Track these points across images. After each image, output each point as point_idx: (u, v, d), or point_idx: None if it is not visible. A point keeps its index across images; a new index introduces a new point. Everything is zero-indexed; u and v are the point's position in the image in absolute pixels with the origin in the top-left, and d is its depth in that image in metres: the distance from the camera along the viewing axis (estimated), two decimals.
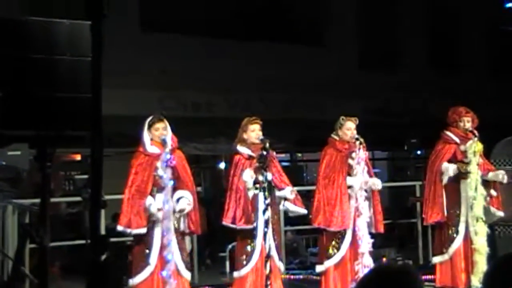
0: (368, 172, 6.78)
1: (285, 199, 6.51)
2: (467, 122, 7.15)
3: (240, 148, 6.44)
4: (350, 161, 6.71)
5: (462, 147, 7.11)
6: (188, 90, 13.16)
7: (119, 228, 5.95)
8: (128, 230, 5.91)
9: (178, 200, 6.04)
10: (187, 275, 6.15)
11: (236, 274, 6.44)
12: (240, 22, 14.06)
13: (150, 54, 12.40)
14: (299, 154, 16.75)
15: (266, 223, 6.06)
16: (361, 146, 6.66)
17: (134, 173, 5.99)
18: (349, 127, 6.78)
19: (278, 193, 6.48)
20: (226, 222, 6.33)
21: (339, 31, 15.20)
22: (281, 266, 6.53)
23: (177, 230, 6.06)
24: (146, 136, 6.10)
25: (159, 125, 6.10)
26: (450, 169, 7.06)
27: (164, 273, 5.88)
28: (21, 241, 4.93)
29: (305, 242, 10.93)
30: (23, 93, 3.32)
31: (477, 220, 7.02)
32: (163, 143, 5.98)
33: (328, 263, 6.67)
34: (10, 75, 3.32)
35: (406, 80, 15.36)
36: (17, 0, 10.69)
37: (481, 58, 16.97)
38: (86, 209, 5.46)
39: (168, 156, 5.94)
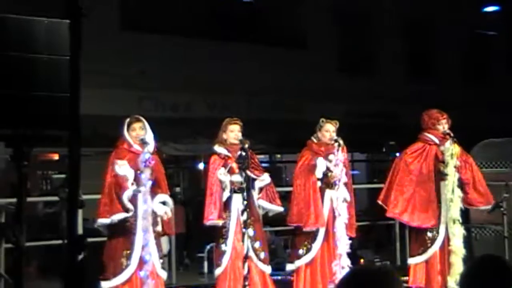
0: (346, 174, 6.81)
1: (261, 189, 6.50)
2: (445, 124, 7.20)
3: (217, 148, 6.43)
4: (327, 163, 6.72)
5: (442, 148, 7.15)
6: (167, 90, 13.13)
7: (100, 221, 5.88)
8: (109, 220, 5.84)
9: (162, 203, 6.03)
10: (163, 274, 6.13)
11: (215, 272, 6.45)
12: (221, 24, 14.06)
13: (129, 54, 12.36)
14: (279, 156, 16.78)
15: (245, 223, 6.07)
16: (340, 148, 6.68)
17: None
18: (327, 129, 6.79)
19: (257, 183, 6.46)
20: (205, 221, 6.32)
21: (319, 34, 15.26)
22: (264, 268, 6.46)
23: (154, 231, 6.03)
24: (127, 135, 6.07)
25: (136, 125, 6.06)
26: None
27: (142, 273, 5.85)
28: None
29: (283, 243, 10.95)
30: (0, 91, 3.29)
31: (454, 222, 7.07)
32: (142, 142, 5.95)
33: (299, 263, 6.69)
34: None
35: (384, 84, 15.48)
36: None
37: (457, 63, 17.15)
38: (63, 209, 5.40)
39: (147, 156, 5.92)
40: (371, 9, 16.35)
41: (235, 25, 14.18)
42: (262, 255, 6.43)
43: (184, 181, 14.55)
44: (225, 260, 6.28)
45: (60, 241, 7.47)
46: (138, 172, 5.93)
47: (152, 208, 5.94)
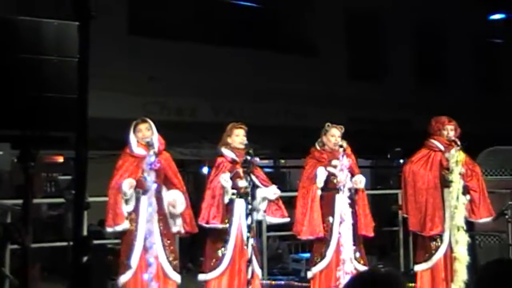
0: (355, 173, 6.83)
1: (267, 200, 6.50)
2: (451, 130, 7.17)
3: (225, 150, 6.43)
4: (330, 169, 6.71)
5: (446, 154, 7.13)
6: (173, 95, 13.15)
7: (108, 229, 5.94)
8: (112, 229, 5.89)
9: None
10: (175, 277, 6.09)
11: (201, 277, 6.37)
12: (228, 30, 14.08)
13: (136, 58, 12.39)
14: (282, 161, 16.77)
15: (249, 228, 6.06)
16: (345, 153, 6.68)
17: (119, 176, 5.96)
18: (333, 134, 6.79)
19: (261, 192, 6.45)
20: (201, 222, 6.31)
21: (328, 41, 15.26)
22: (258, 271, 6.48)
23: (163, 233, 6.03)
24: (132, 138, 6.08)
25: (142, 126, 6.08)
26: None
27: (146, 276, 5.86)
28: (2, 242, 4.89)
29: (287, 248, 10.93)
30: (8, 92, 3.30)
31: (458, 229, 7.06)
32: (148, 145, 5.97)
33: (315, 270, 6.71)
34: None
35: (393, 91, 15.45)
36: None
37: (467, 71, 17.12)
38: (68, 211, 5.42)
39: (153, 159, 5.93)
40: (382, 16, 16.35)
41: (242, 31, 14.20)
42: (258, 260, 6.43)
43: (189, 185, 14.55)
44: (224, 265, 6.24)
45: (64, 243, 7.52)
46: (142, 175, 5.95)
47: (165, 208, 5.97)
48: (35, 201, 9.00)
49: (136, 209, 5.95)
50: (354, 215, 6.73)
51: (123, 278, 5.90)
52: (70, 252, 2.83)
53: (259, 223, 7.10)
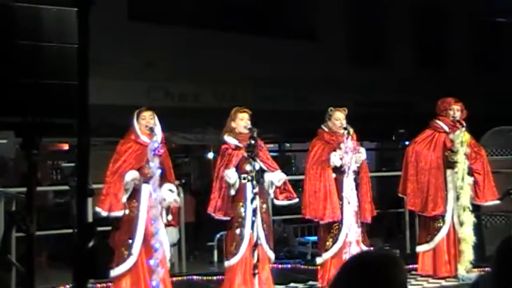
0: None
1: (272, 184, 6.50)
2: (457, 111, 7.16)
3: (227, 138, 6.45)
4: (339, 151, 6.72)
5: (451, 136, 7.12)
6: (176, 80, 13.12)
7: (103, 213, 5.91)
8: (106, 214, 5.89)
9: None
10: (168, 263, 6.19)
11: (226, 263, 6.45)
12: (230, 15, 14.02)
13: (138, 44, 12.34)
14: (288, 145, 16.77)
15: (254, 212, 6.07)
16: (349, 135, 6.67)
17: (122, 161, 5.96)
18: (337, 117, 6.80)
19: (267, 176, 6.45)
20: (210, 211, 6.38)
21: (329, 25, 15.18)
22: (271, 255, 6.52)
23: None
24: (136, 126, 6.09)
25: (146, 113, 6.12)
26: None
27: (152, 261, 5.88)
28: (7, 229, 4.90)
29: (293, 231, 10.94)
30: (9, 79, 3.28)
31: (464, 210, 7.05)
32: (151, 131, 5.97)
33: (326, 255, 6.73)
34: None
35: (394, 74, 15.39)
36: None
37: (468, 51, 17.02)
38: (73, 198, 5.43)
39: (156, 145, 5.94)
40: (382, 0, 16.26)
41: (244, 16, 14.14)
42: (271, 244, 6.47)
43: (194, 171, 14.58)
44: (243, 248, 6.28)
45: (70, 230, 7.54)
46: (146, 164, 5.96)
47: (162, 196, 5.97)
48: (41, 189, 9.07)
49: (137, 197, 5.96)
50: (357, 198, 6.74)
51: (122, 268, 5.89)
52: (74, 238, 2.83)
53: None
